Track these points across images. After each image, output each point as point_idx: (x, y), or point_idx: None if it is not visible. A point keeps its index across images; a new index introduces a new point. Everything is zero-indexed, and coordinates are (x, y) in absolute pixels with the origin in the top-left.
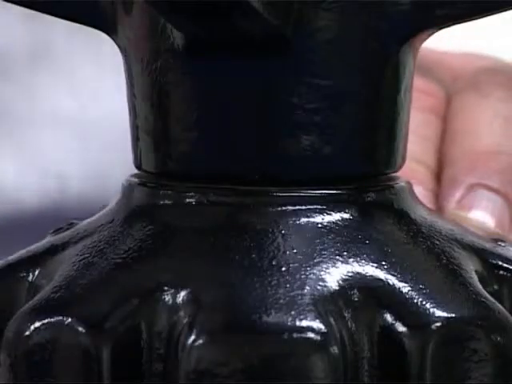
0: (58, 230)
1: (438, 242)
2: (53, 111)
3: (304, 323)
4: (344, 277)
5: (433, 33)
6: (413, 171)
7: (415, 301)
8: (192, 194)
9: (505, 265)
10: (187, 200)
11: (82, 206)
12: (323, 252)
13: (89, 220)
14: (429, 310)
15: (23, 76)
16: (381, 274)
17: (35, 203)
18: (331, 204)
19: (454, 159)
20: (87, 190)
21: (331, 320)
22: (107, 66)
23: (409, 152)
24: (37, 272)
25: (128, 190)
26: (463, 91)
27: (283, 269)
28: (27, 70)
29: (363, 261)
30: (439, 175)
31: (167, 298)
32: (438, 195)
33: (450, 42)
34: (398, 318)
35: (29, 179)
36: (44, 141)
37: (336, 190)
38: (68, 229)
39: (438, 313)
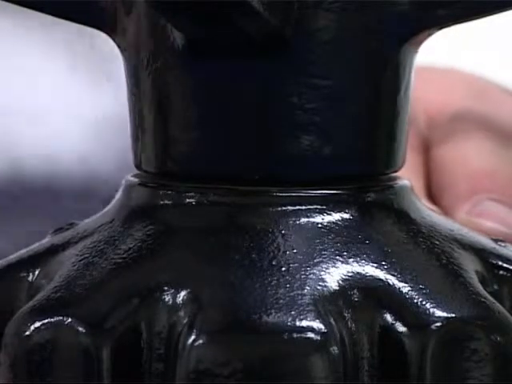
0: (58, 230)
1: (438, 242)
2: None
3: (304, 323)
4: (344, 277)
5: (433, 33)
6: None
7: (415, 301)
8: (192, 194)
9: (505, 265)
10: (187, 200)
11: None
12: (323, 252)
13: (89, 220)
14: (429, 309)
15: None
16: (381, 274)
17: None
18: (331, 204)
19: (449, 186)
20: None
21: (331, 320)
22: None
23: None
24: (37, 272)
25: (128, 189)
26: (441, 143)
27: (283, 269)
28: None
29: (363, 261)
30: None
31: (167, 298)
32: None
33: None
34: (398, 318)
35: None
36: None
37: (336, 189)
38: (68, 229)
39: (438, 313)
